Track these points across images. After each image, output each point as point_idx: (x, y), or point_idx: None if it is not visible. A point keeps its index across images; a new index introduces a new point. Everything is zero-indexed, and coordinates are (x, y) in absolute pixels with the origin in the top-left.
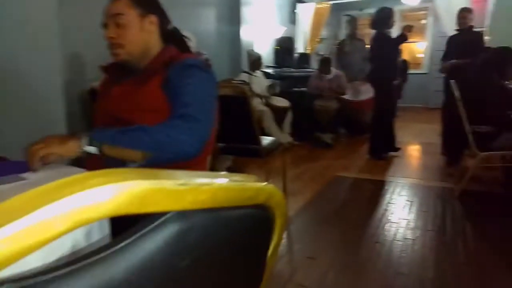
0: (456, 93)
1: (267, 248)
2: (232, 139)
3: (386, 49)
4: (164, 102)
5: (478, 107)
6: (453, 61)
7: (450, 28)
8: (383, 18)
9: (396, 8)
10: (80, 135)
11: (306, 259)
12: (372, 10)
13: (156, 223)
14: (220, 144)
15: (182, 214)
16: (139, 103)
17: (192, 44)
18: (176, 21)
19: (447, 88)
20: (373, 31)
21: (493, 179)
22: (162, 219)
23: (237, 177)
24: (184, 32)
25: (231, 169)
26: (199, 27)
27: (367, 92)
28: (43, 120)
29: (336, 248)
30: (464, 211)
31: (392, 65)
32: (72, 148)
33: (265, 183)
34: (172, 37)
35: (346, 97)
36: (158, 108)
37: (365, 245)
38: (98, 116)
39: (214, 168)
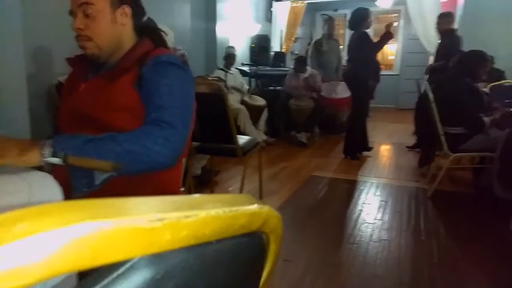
0: (430, 95)
1: (259, 278)
2: (208, 138)
3: (367, 50)
4: (136, 101)
5: (451, 109)
6: (433, 64)
7: (422, 30)
8: (360, 19)
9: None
10: (42, 143)
11: (282, 262)
12: (346, 11)
13: (118, 272)
14: (195, 143)
15: (155, 257)
16: (109, 101)
17: (169, 39)
18: (150, 15)
19: (421, 90)
20: (351, 31)
21: (464, 179)
22: (127, 266)
23: (227, 199)
24: (161, 26)
25: (206, 169)
26: (174, 22)
27: (342, 91)
28: (3, 118)
29: (313, 250)
30: (437, 211)
31: (371, 65)
32: (32, 159)
33: (260, 205)
34: (147, 31)
35: (322, 94)
36: (129, 108)
37: (342, 246)
38: (63, 113)
39: (188, 168)
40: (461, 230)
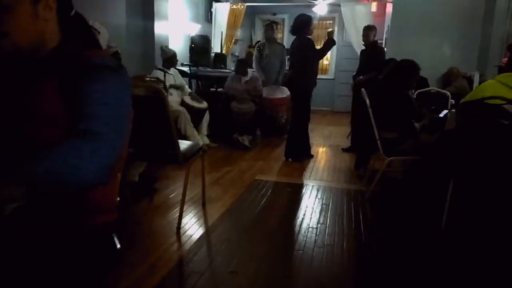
0: (367, 101)
1: None
2: (146, 143)
3: (311, 56)
4: (61, 110)
5: (385, 115)
6: (366, 76)
7: (355, 38)
8: (304, 25)
9: (298, 15)
10: None
11: (227, 274)
12: (284, 16)
13: None
14: (131, 149)
15: None
16: (29, 108)
17: (102, 37)
18: (80, 10)
19: (355, 96)
20: (293, 36)
21: (396, 180)
22: None
23: None
24: (91, 22)
25: (145, 176)
26: (108, 18)
27: (282, 92)
28: None
29: (259, 259)
30: (375, 212)
31: (314, 71)
32: None
33: None
34: (75, 27)
35: (263, 94)
36: (52, 117)
37: (287, 254)
38: None
39: (125, 176)
40: (397, 232)
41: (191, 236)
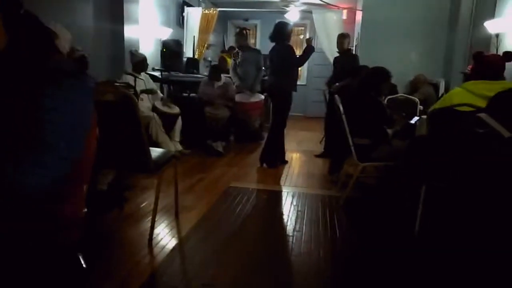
0: (340, 107)
1: None
2: (115, 150)
3: (292, 63)
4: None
5: (358, 121)
6: (342, 82)
7: (327, 44)
8: (284, 32)
9: (277, 22)
10: None
11: (202, 287)
12: (256, 21)
13: None
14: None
15: None
16: None
17: (64, 41)
18: (42, 12)
19: (330, 103)
20: (268, 42)
21: (370, 186)
22: None
23: None
24: (51, 25)
25: (114, 185)
26: (73, 21)
27: (255, 96)
28: None
29: (235, 270)
30: (349, 218)
31: (295, 78)
32: None
33: None
34: (25, 28)
35: (236, 98)
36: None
37: (264, 264)
38: None
39: (93, 186)
40: (372, 238)
41: (163, 247)
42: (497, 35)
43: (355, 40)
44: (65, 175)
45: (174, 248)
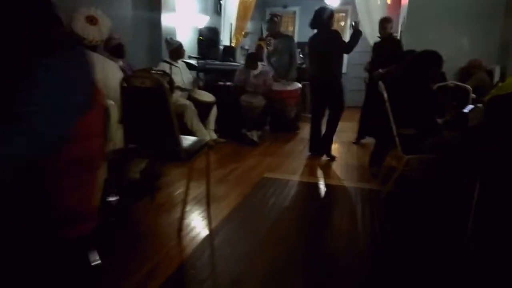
0: (385, 95)
1: None
2: (147, 139)
3: (342, 48)
4: None
5: (404, 109)
6: (385, 69)
7: (369, 30)
8: (327, 17)
9: (318, 8)
10: None
11: (231, 284)
12: (295, 8)
13: None
14: (132, 145)
15: None
16: None
17: (104, 27)
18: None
19: (369, 90)
20: (313, 31)
21: (414, 181)
22: None
23: None
24: (93, 10)
25: (147, 173)
26: (113, 9)
27: (291, 85)
28: None
29: (266, 267)
30: (391, 216)
31: (341, 64)
32: None
33: None
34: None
35: (273, 87)
36: None
37: (297, 261)
38: None
39: (124, 172)
40: (414, 236)
41: (193, 238)
42: None
43: (399, 25)
44: (37, 155)
45: (204, 240)
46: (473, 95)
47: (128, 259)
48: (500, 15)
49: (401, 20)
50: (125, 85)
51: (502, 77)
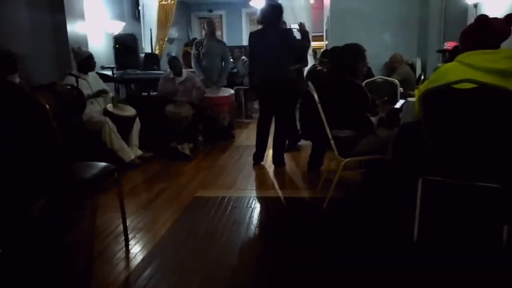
0: (315, 95)
1: None
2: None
3: (299, 49)
4: None
5: (336, 110)
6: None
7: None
8: (279, 14)
9: (244, 11)
10: None
11: None
12: (221, 12)
13: None
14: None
15: None
16: None
17: None
18: None
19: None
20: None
21: (354, 183)
22: None
23: None
24: None
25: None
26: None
27: (223, 91)
28: None
29: None
30: (335, 225)
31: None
32: None
33: None
34: None
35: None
36: None
37: None
38: None
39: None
40: (361, 247)
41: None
42: (475, 5)
43: (324, 24)
44: None
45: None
46: (401, 89)
47: None
48: (416, 8)
49: (325, 19)
50: None
51: (424, 70)
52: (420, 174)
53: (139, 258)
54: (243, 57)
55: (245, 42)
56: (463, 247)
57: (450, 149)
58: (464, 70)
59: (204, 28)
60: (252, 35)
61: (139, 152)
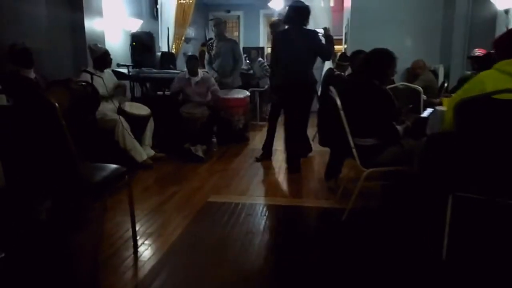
0: (338, 102)
1: None
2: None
3: (321, 52)
4: None
5: (360, 117)
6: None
7: None
8: (302, 14)
9: (262, 12)
10: None
11: None
12: (239, 13)
13: None
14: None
15: None
16: None
17: None
18: None
19: (323, 95)
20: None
21: (374, 193)
22: None
23: None
24: None
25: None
26: (20, 7)
27: (238, 92)
28: None
29: None
30: (355, 240)
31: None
32: None
33: None
34: None
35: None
36: None
37: None
38: None
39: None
40: (384, 265)
41: None
42: (506, 11)
43: (344, 27)
44: None
45: None
46: (424, 96)
47: None
48: (439, 12)
49: (345, 22)
50: None
51: (447, 77)
52: (451, 189)
53: (147, 266)
54: (260, 58)
55: (262, 43)
56: (494, 268)
57: (486, 164)
58: (504, 79)
59: (212, 29)
60: (277, 35)
61: (152, 152)
